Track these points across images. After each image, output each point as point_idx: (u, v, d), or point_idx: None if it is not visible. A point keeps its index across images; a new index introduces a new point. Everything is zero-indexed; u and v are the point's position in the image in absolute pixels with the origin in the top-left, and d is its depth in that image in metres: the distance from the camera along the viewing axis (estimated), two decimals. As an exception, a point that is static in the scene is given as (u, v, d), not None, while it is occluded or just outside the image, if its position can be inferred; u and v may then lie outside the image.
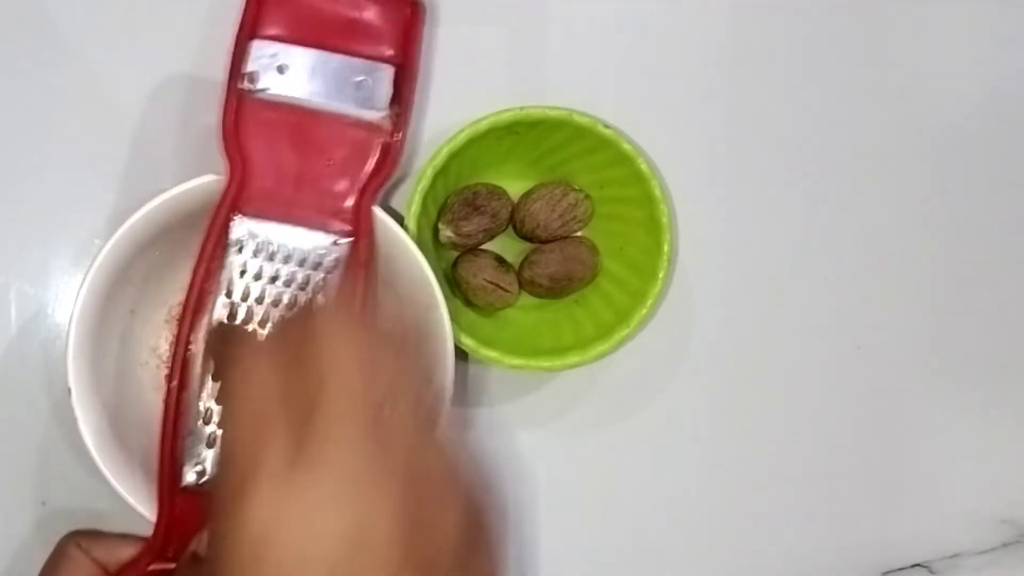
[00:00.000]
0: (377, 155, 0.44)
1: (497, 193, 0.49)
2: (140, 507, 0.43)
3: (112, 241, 0.42)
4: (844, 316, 0.52)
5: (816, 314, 0.52)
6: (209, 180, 0.43)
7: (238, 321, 0.44)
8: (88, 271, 0.42)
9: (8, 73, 0.48)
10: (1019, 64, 0.53)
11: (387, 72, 0.45)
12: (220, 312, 0.44)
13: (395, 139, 0.44)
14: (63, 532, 0.46)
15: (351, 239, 0.44)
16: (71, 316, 0.42)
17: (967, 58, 0.53)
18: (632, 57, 0.51)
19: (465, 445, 0.48)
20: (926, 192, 0.52)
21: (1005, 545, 0.52)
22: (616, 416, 0.51)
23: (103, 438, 0.42)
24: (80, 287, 0.42)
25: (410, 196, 0.46)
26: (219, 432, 0.44)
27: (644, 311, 0.46)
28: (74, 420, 0.42)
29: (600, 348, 0.46)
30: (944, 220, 0.52)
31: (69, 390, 0.42)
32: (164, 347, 0.47)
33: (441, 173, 0.46)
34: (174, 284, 0.47)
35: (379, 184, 0.44)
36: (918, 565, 0.51)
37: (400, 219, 0.45)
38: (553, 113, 0.46)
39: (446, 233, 0.48)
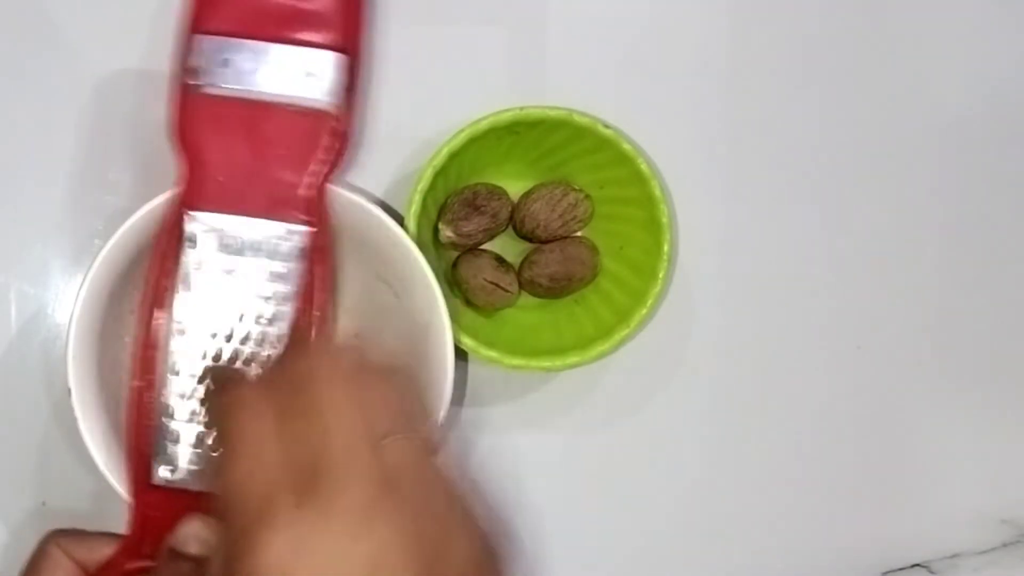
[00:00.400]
0: (328, 142, 0.44)
1: (497, 193, 0.49)
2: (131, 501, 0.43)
3: (112, 241, 0.42)
4: (844, 316, 0.52)
5: (816, 314, 0.52)
6: None
7: (201, 314, 0.44)
8: (88, 271, 0.42)
9: (9, 73, 0.48)
10: (1019, 64, 0.53)
11: (333, 59, 0.44)
12: (181, 306, 0.44)
13: (345, 125, 0.44)
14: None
15: (308, 227, 0.44)
16: (71, 316, 0.42)
17: (967, 58, 0.53)
18: (632, 57, 0.51)
19: (467, 472, 0.49)
20: (926, 192, 0.52)
21: (1005, 545, 0.52)
22: (616, 416, 0.51)
23: (103, 438, 0.42)
24: (80, 287, 0.42)
25: (410, 196, 0.45)
26: (186, 427, 0.44)
27: (644, 311, 0.46)
28: (74, 420, 0.42)
29: (600, 348, 0.46)
30: (944, 220, 0.52)
31: (69, 390, 0.42)
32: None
33: (441, 173, 0.46)
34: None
35: (331, 171, 0.44)
36: (918, 565, 0.51)
37: (400, 219, 0.45)
38: (553, 113, 0.46)
39: (446, 233, 0.48)
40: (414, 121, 0.49)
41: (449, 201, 0.48)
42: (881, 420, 0.52)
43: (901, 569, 0.51)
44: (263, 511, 0.34)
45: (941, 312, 0.52)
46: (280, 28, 0.44)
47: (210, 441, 0.44)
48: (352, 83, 0.45)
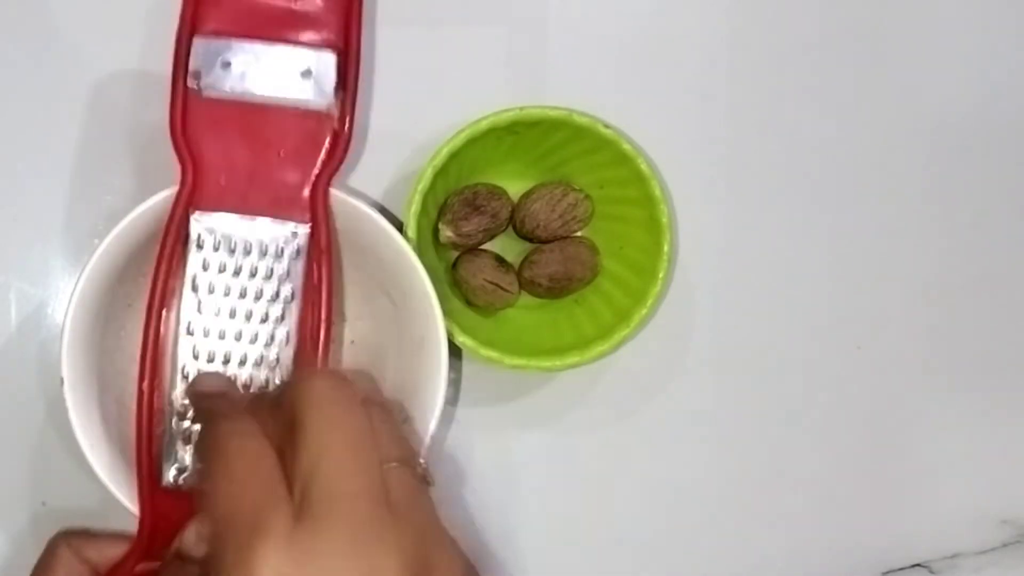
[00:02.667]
0: (327, 143, 0.44)
1: (497, 193, 0.49)
2: (125, 500, 0.43)
3: (111, 236, 0.42)
4: (844, 316, 0.52)
5: (816, 314, 0.52)
6: None
7: (208, 314, 0.44)
8: (86, 264, 0.42)
9: (9, 73, 0.48)
10: (1019, 64, 0.53)
11: (331, 59, 0.44)
12: (188, 307, 0.44)
13: (344, 125, 0.44)
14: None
15: (309, 227, 0.44)
16: (67, 308, 0.42)
17: (967, 58, 0.53)
18: (632, 57, 0.51)
19: (463, 484, 0.49)
20: (926, 192, 0.52)
21: (1005, 545, 0.52)
22: (616, 416, 0.51)
23: (93, 430, 0.43)
24: (78, 279, 0.42)
25: (410, 196, 0.45)
26: (193, 428, 0.44)
27: (644, 311, 0.46)
28: (65, 410, 0.42)
29: (600, 348, 0.46)
30: (944, 220, 0.52)
31: (61, 380, 0.42)
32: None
33: (441, 173, 0.46)
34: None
35: (332, 171, 0.44)
36: (918, 565, 0.51)
37: (400, 226, 0.45)
38: (553, 113, 0.46)
39: (446, 233, 0.48)
40: (414, 121, 0.49)
41: (449, 201, 0.48)
42: (881, 420, 0.52)
43: (901, 569, 0.51)
44: (259, 526, 0.34)
45: (941, 312, 0.52)
46: (277, 28, 0.45)
47: (190, 457, 0.44)
48: (351, 83, 0.45)
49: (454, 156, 0.45)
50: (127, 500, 0.43)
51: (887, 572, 0.51)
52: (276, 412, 0.37)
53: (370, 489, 0.35)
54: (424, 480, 0.38)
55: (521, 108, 0.46)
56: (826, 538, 0.51)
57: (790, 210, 0.52)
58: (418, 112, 0.49)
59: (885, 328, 0.52)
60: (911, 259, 0.52)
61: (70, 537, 0.44)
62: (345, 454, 0.35)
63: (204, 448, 0.39)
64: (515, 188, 0.50)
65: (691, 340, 0.51)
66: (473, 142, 0.46)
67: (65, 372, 0.42)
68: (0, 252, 0.48)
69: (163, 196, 0.43)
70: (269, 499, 0.35)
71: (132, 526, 0.44)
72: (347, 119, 0.45)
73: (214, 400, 0.43)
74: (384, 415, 0.39)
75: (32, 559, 0.44)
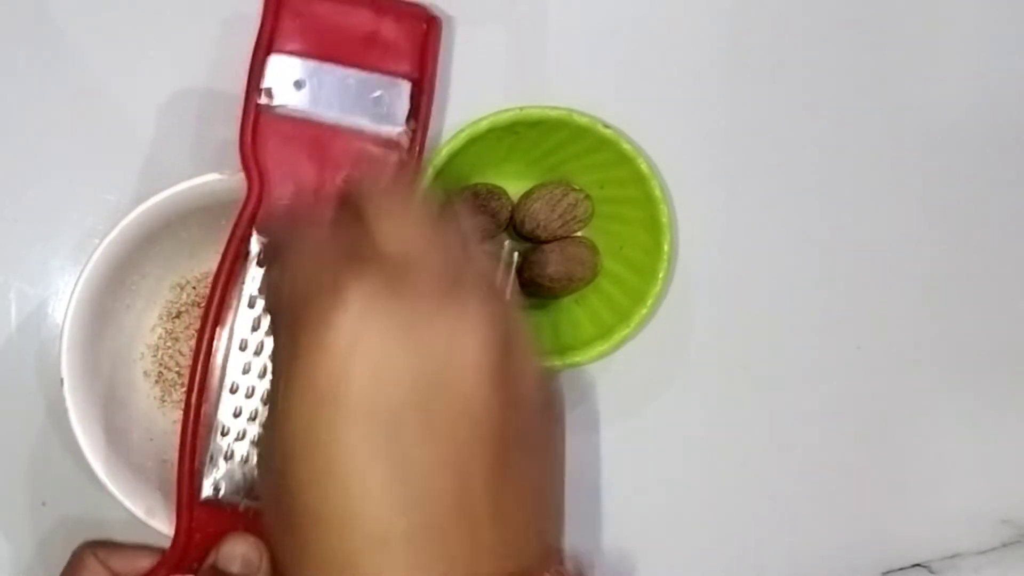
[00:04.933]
0: (395, 172, 0.44)
1: (497, 193, 0.49)
2: (125, 501, 0.43)
3: (111, 235, 0.42)
4: (844, 316, 0.52)
5: (816, 314, 0.52)
6: (211, 179, 0.43)
7: (262, 332, 0.44)
8: (86, 264, 0.42)
9: (10, 73, 0.48)
10: (1019, 64, 0.53)
11: (404, 87, 0.45)
12: (243, 323, 0.44)
13: (412, 155, 0.45)
14: (63, 532, 0.46)
15: None
16: (67, 309, 0.42)
17: (967, 58, 0.53)
18: (632, 57, 0.51)
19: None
20: (926, 192, 0.52)
21: (1005, 545, 0.52)
22: (616, 416, 0.51)
23: (93, 430, 0.43)
24: (77, 279, 0.42)
25: (410, 196, 0.45)
26: (237, 443, 0.44)
27: (644, 311, 0.46)
28: (64, 411, 0.42)
29: (600, 348, 0.46)
30: (944, 220, 0.52)
31: (61, 380, 0.42)
32: (159, 343, 0.47)
33: (441, 173, 0.46)
34: (172, 280, 0.47)
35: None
36: (918, 565, 0.51)
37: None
38: (553, 113, 0.46)
39: (446, 233, 0.48)
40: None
41: (449, 201, 0.48)
42: (881, 420, 0.52)
43: (901, 569, 0.51)
44: (346, 272, 0.33)
45: (941, 313, 0.52)
46: (353, 53, 0.45)
47: (245, 453, 0.44)
48: (423, 112, 0.45)
49: (454, 156, 0.45)
50: (124, 498, 0.43)
51: (887, 572, 0.51)
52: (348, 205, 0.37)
53: (454, 251, 0.35)
54: (502, 288, 0.38)
55: (521, 108, 0.46)
56: (826, 538, 0.51)
57: (790, 210, 0.52)
58: (418, 112, 0.49)
59: (885, 328, 0.52)
60: (911, 259, 0.52)
61: (97, 548, 0.44)
62: (423, 220, 0.35)
63: (287, 229, 0.38)
64: (515, 188, 0.50)
65: (691, 340, 0.51)
66: (473, 142, 0.46)
67: (65, 373, 0.42)
68: (0, 252, 0.48)
69: (163, 196, 0.43)
70: (354, 245, 0.34)
71: (132, 526, 0.44)
72: (416, 148, 0.45)
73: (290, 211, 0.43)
74: (458, 227, 0.38)
75: (32, 559, 0.44)
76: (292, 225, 0.39)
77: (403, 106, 0.45)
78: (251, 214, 0.43)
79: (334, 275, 0.33)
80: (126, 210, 0.43)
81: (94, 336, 0.44)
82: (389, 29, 0.45)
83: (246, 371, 0.44)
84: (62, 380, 0.42)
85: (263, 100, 0.44)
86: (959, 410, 0.52)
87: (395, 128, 0.45)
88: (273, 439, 0.34)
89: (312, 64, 0.44)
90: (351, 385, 0.32)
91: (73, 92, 0.48)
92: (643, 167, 0.46)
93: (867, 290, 0.52)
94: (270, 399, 0.36)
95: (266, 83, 0.44)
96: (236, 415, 0.44)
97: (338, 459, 0.32)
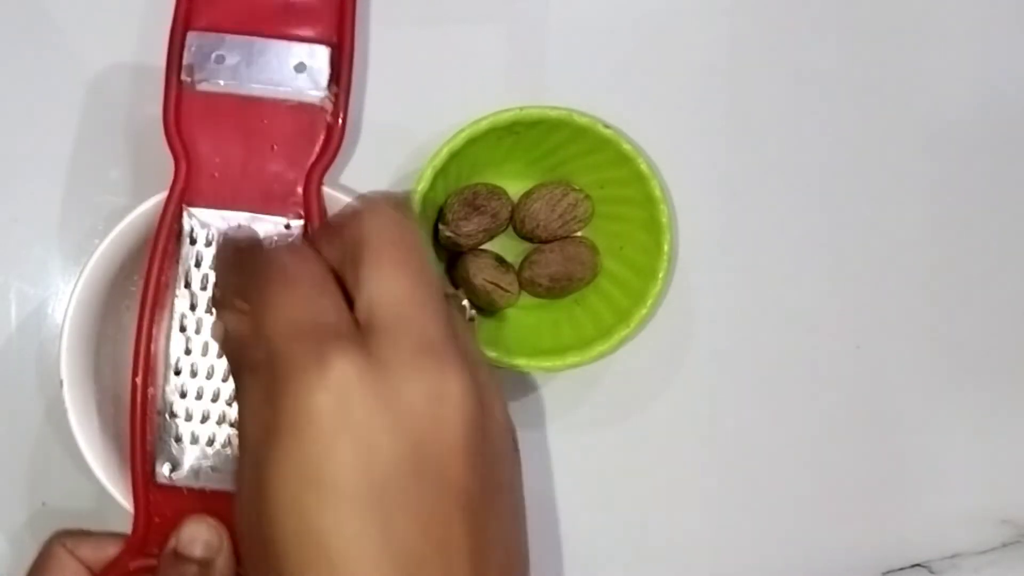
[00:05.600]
0: (322, 136, 0.45)
1: (497, 193, 0.49)
2: (124, 501, 0.43)
3: (111, 235, 0.42)
4: (844, 316, 0.52)
5: (816, 314, 0.52)
6: None
7: (201, 310, 0.44)
8: (86, 264, 0.42)
9: (6, 72, 0.48)
10: (1019, 64, 0.53)
11: (324, 53, 0.45)
12: (181, 303, 0.44)
13: (337, 119, 0.45)
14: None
15: (303, 222, 0.44)
16: (67, 309, 0.42)
17: (967, 58, 0.53)
18: (632, 57, 0.51)
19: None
20: (927, 192, 0.52)
21: (1005, 545, 0.52)
22: (616, 416, 0.51)
23: (92, 431, 0.43)
24: (77, 279, 0.42)
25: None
26: (185, 424, 0.44)
27: (644, 311, 0.46)
28: (64, 411, 0.42)
29: (600, 348, 0.46)
30: (944, 220, 0.52)
31: (61, 382, 0.42)
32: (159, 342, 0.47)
33: (441, 173, 0.46)
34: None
35: (325, 166, 0.45)
36: (918, 565, 0.51)
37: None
38: (553, 113, 0.46)
39: (446, 233, 0.48)
40: (413, 121, 0.49)
41: (449, 201, 0.48)
42: (881, 420, 0.52)
43: (901, 569, 0.51)
44: (328, 333, 0.33)
45: (941, 312, 0.52)
46: (270, 23, 0.45)
47: (208, 434, 0.44)
48: (344, 76, 0.45)
49: (454, 156, 0.45)
50: (126, 501, 0.43)
51: (887, 572, 0.51)
52: (334, 242, 0.37)
53: (436, 314, 0.35)
54: (470, 318, 0.39)
55: (521, 108, 0.46)
56: (826, 538, 0.51)
57: (790, 210, 0.52)
58: (418, 112, 0.49)
59: (885, 328, 0.52)
60: (911, 259, 0.52)
61: (65, 537, 0.44)
62: (411, 281, 0.35)
63: (253, 273, 0.37)
64: (515, 188, 0.50)
65: (691, 340, 0.51)
66: (473, 142, 0.46)
67: (64, 374, 0.42)
68: (0, 252, 0.48)
69: (162, 197, 0.43)
70: (336, 313, 0.34)
71: (130, 526, 0.44)
72: (341, 112, 0.45)
73: (255, 246, 0.42)
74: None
75: (32, 559, 0.44)
76: (255, 265, 0.37)
77: (325, 71, 0.45)
78: (180, 193, 0.43)
79: (317, 348, 0.33)
80: (126, 208, 0.43)
81: (94, 337, 0.44)
82: None
83: (188, 352, 0.44)
84: (61, 382, 0.42)
85: (184, 77, 0.44)
86: (959, 410, 0.52)
87: (318, 94, 0.45)
88: (254, 499, 0.34)
89: (229, 37, 0.44)
90: (337, 467, 0.33)
91: (74, 92, 0.48)
92: (643, 167, 0.46)
93: (867, 290, 0.52)
94: (240, 447, 0.36)
95: (186, 60, 0.44)
96: (183, 395, 0.44)
97: (325, 538, 0.32)
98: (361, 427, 0.33)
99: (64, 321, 0.42)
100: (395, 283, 0.35)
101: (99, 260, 0.42)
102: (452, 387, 0.34)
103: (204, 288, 0.44)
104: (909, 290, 0.52)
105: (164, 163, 0.47)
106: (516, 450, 0.38)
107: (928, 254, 0.52)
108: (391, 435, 0.33)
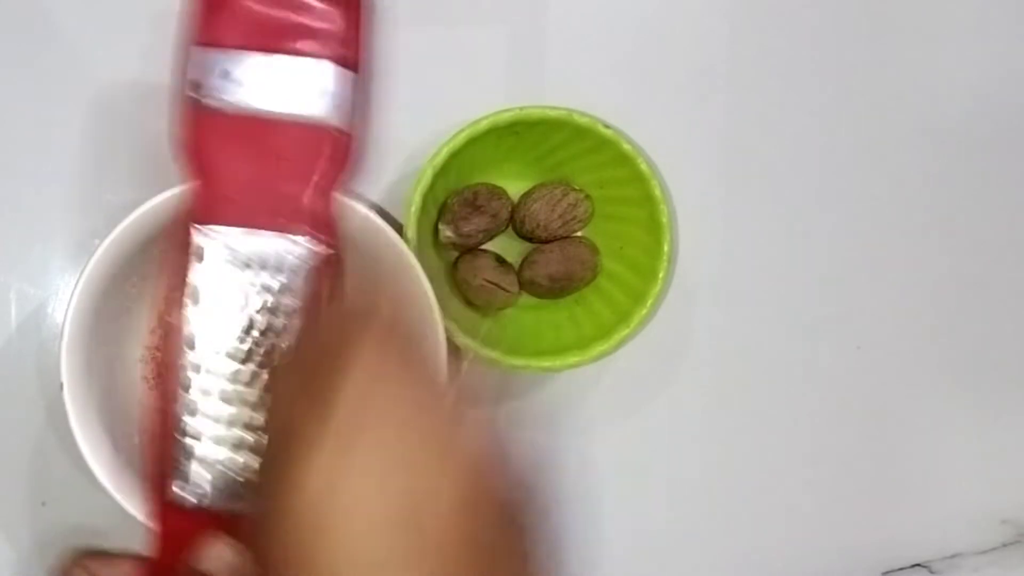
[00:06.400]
0: (331, 154, 0.44)
1: (497, 193, 0.49)
2: (125, 503, 0.43)
3: (112, 236, 0.42)
4: (844, 316, 0.52)
5: (816, 314, 0.52)
6: None
7: (209, 328, 0.44)
8: (86, 264, 0.42)
9: (10, 74, 0.48)
10: (1019, 64, 0.53)
11: (335, 70, 0.44)
12: (189, 322, 0.44)
13: (349, 138, 0.44)
14: (63, 532, 0.46)
15: (314, 239, 0.44)
16: (67, 311, 0.42)
17: (968, 58, 0.53)
18: (632, 57, 0.51)
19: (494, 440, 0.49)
20: (926, 192, 0.52)
21: (1005, 545, 0.52)
22: (616, 416, 0.51)
23: (92, 432, 0.42)
24: (77, 280, 0.42)
25: (410, 196, 0.45)
26: (199, 444, 0.44)
27: (644, 311, 0.46)
28: (64, 411, 0.42)
29: (600, 348, 0.46)
30: (944, 220, 0.52)
31: (61, 384, 0.42)
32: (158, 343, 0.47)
33: (441, 173, 0.46)
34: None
35: (336, 183, 0.44)
36: (918, 565, 0.51)
37: (398, 224, 0.45)
38: (553, 113, 0.46)
39: (446, 233, 0.48)
40: (414, 121, 0.49)
41: (449, 201, 0.48)
42: (881, 420, 0.52)
43: (901, 569, 0.51)
44: (298, 453, 0.33)
45: (941, 312, 0.52)
46: (281, 39, 0.44)
47: (223, 457, 0.44)
48: (357, 95, 0.45)
49: (454, 156, 0.45)
50: (126, 502, 0.43)
51: (887, 572, 0.51)
52: (309, 353, 0.37)
53: (412, 409, 0.35)
54: (459, 410, 0.38)
55: (521, 108, 0.46)
56: (826, 538, 0.51)
57: (790, 210, 0.52)
58: (418, 112, 0.49)
59: (885, 328, 0.52)
60: (911, 259, 0.52)
61: (85, 559, 0.44)
62: (405, 367, 0.35)
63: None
64: (515, 188, 0.50)
65: (691, 340, 0.51)
66: (473, 142, 0.46)
67: (64, 376, 0.42)
68: (0, 252, 0.48)
69: (163, 198, 0.43)
70: (306, 428, 0.34)
71: (132, 527, 0.44)
72: (354, 132, 0.44)
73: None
74: (415, 348, 0.38)
75: (32, 559, 0.44)
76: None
77: (336, 91, 0.44)
78: (191, 211, 0.43)
79: (301, 436, 0.34)
80: (126, 209, 0.43)
81: (94, 338, 0.43)
82: (316, 13, 0.44)
83: (197, 370, 0.44)
84: (62, 384, 0.42)
85: (194, 94, 0.43)
86: (959, 410, 0.52)
87: (329, 112, 0.44)
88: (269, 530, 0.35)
89: (239, 54, 0.44)
90: (330, 533, 0.33)
91: (74, 92, 0.48)
92: (643, 167, 0.46)
93: (867, 290, 0.52)
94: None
95: (192, 75, 0.43)
96: (192, 414, 0.44)
97: None
98: (356, 490, 0.33)
99: (64, 321, 0.42)
100: (389, 357, 0.35)
101: (100, 260, 0.42)
102: (452, 466, 0.34)
103: (215, 306, 0.44)
104: (909, 290, 0.52)
105: (165, 163, 0.47)
106: (530, 506, 0.38)
107: (928, 254, 0.52)
108: (386, 503, 0.33)
